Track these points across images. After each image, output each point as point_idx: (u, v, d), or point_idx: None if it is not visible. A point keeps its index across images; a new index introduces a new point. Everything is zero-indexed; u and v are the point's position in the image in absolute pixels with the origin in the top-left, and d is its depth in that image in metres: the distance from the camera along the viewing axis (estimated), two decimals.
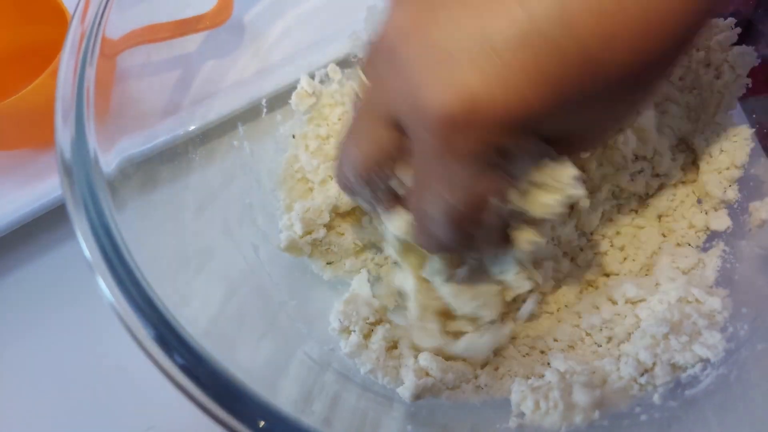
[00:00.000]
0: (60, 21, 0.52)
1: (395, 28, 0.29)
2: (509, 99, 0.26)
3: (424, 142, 0.29)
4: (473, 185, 0.29)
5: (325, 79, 0.54)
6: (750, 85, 0.47)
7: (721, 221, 0.45)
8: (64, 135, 0.35)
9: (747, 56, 0.47)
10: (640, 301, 0.42)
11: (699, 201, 0.45)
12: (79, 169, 0.34)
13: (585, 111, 0.29)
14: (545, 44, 0.25)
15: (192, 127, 0.49)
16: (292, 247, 0.46)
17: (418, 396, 0.39)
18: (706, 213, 0.44)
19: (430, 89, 0.27)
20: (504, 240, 0.35)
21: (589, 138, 0.34)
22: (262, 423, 0.29)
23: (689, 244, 0.46)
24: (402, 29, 0.28)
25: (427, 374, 0.40)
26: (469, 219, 0.31)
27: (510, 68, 0.26)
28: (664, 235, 0.46)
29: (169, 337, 0.30)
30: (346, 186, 0.36)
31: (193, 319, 0.32)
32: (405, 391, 0.40)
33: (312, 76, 0.54)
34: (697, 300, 0.40)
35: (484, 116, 0.26)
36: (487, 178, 0.29)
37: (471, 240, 0.33)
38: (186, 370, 0.29)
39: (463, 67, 0.26)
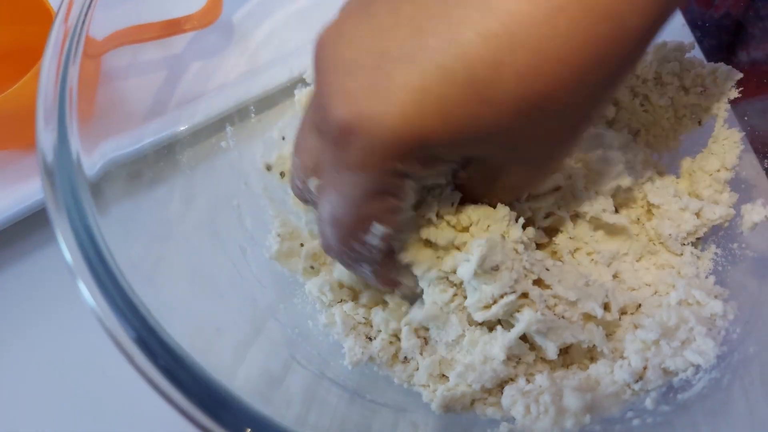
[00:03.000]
0: (45, 20, 0.51)
1: (321, 37, 0.29)
2: (394, 118, 0.26)
3: (326, 149, 0.29)
4: (359, 203, 0.30)
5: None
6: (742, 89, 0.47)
7: (715, 210, 0.44)
8: (45, 137, 0.35)
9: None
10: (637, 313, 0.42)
11: (687, 205, 0.44)
12: (61, 171, 0.34)
13: (497, 139, 0.28)
14: (435, 68, 0.25)
15: (179, 129, 0.49)
16: (281, 256, 0.46)
17: (448, 407, 0.39)
18: (697, 216, 0.44)
19: (333, 99, 0.27)
20: (390, 268, 0.37)
21: (524, 173, 0.34)
22: (248, 431, 0.28)
23: (686, 244, 0.45)
24: (324, 38, 0.29)
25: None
26: (350, 234, 0.32)
27: (395, 86, 0.25)
28: (651, 240, 0.46)
29: (152, 343, 0.29)
30: (296, 194, 0.37)
31: (178, 325, 0.32)
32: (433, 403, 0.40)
33: (303, 80, 0.53)
34: (698, 302, 0.39)
35: (370, 132, 0.26)
36: (376, 201, 0.30)
37: (357, 256, 0.34)
38: (169, 375, 0.29)
39: (358, 80, 0.26)
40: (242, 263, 0.46)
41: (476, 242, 0.38)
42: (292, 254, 0.46)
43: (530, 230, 0.43)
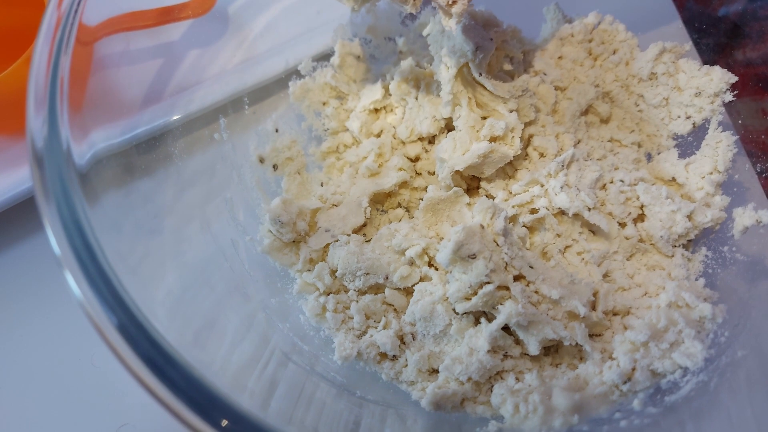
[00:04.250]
0: (38, 5, 0.50)
1: None
2: None
3: None
4: None
5: (309, 72, 0.54)
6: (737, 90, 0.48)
7: (707, 213, 0.44)
8: (35, 125, 0.34)
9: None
10: (626, 314, 0.42)
11: (679, 207, 0.44)
12: (50, 160, 0.33)
13: None
14: None
15: (172, 119, 0.48)
16: (273, 250, 0.46)
17: (438, 405, 0.39)
18: (689, 218, 0.44)
19: None
20: None
21: None
22: (225, 422, 0.28)
23: (677, 246, 0.45)
24: None
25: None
26: None
27: None
28: (642, 241, 0.46)
29: (138, 336, 0.29)
30: None
31: (166, 317, 0.31)
32: (424, 401, 0.40)
33: (297, 73, 0.53)
34: (687, 305, 0.40)
35: None
36: None
37: None
38: (152, 365, 0.28)
39: None
40: (234, 256, 0.45)
41: (454, 229, 0.39)
42: (284, 248, 0.46)
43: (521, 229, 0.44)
